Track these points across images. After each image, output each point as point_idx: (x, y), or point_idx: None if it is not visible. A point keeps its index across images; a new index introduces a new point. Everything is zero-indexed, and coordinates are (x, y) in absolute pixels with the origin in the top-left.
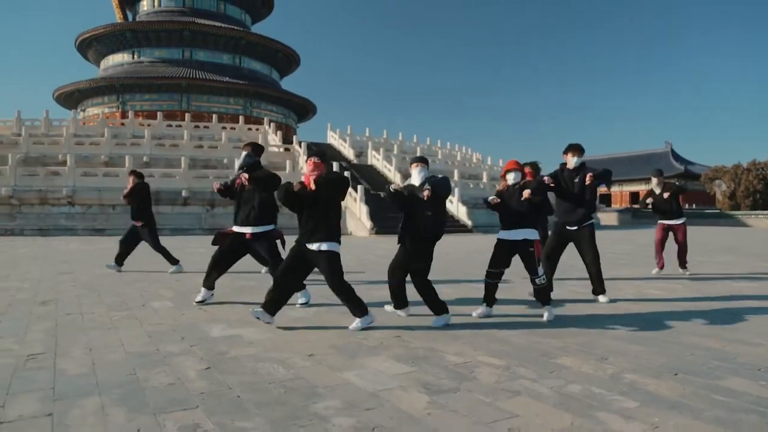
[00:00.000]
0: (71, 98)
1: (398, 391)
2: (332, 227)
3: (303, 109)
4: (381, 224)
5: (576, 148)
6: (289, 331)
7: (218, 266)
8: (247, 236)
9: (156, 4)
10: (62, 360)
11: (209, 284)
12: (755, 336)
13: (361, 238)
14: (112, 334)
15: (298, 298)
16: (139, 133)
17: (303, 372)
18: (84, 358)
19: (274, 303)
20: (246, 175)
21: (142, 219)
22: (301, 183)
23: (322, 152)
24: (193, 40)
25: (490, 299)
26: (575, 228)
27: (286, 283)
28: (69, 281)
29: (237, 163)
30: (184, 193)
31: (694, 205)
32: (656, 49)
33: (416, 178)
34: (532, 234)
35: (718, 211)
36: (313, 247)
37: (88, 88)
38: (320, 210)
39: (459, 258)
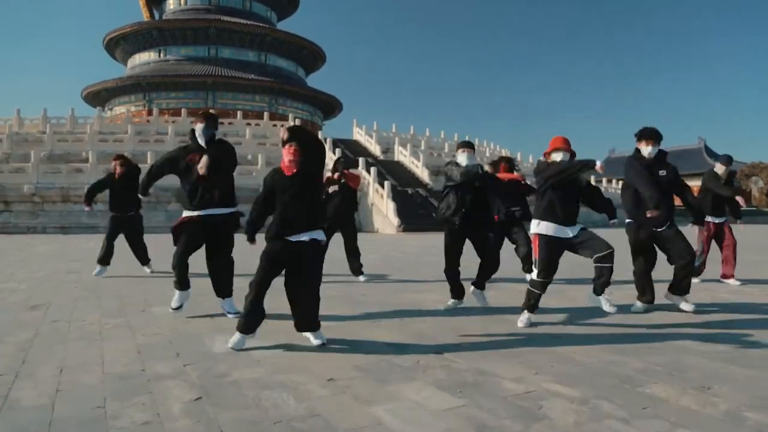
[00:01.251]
0: (99, 97)
1: None
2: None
3: (329, 106)
4: (409, 221)
5: (650, 134)
6: (304, 346)
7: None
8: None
9: (182, 2)
10: (21, 384)
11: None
12: None
13: (388, 236)
14: (95, 348)
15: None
16: (163, 130)
17: (319, 405)
18: (49, 381)
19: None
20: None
21: (137, 207)
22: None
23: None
24: (218, 37)
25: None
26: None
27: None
28: (72, 282)
29: (200, 140)
30: None
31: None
32: (692, 48)
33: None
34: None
35: (755, 208)
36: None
37: (115, 87)
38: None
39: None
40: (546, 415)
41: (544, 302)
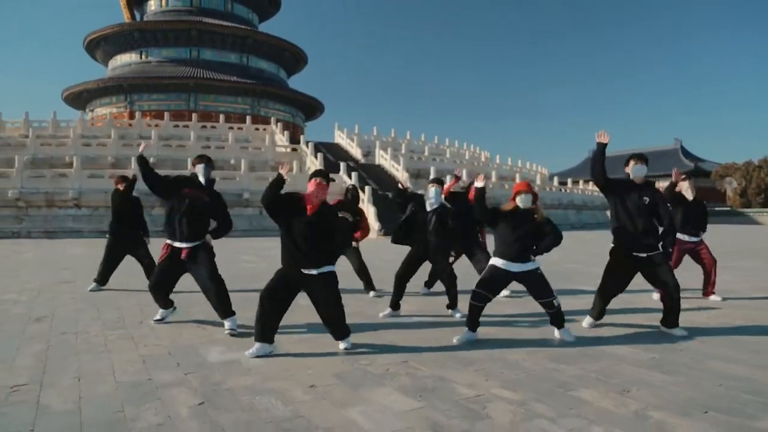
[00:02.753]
0: (80, 98)
1: None
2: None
3: (310, 108)
4: (390, 226)
5: (637, 158)
6: (289, 356)
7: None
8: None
9: (163, 3)
10: (48, 392)
11: (164, 304)
12: None
13: (370, 241)
14: (104, 359)
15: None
16: (147, 134)
17: (303, 408)
18: (71, 390)
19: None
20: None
21: (142, 228)
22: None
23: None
24: (200, 39)
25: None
26: (644, 255)
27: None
28: (68, 292)
29: (201, 177)
30: None
31: (704, 203)
32: (667, 47)
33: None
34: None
35: (729, 208)
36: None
37: (96, 89)
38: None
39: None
40: (489, 416)
41: (510, 312)
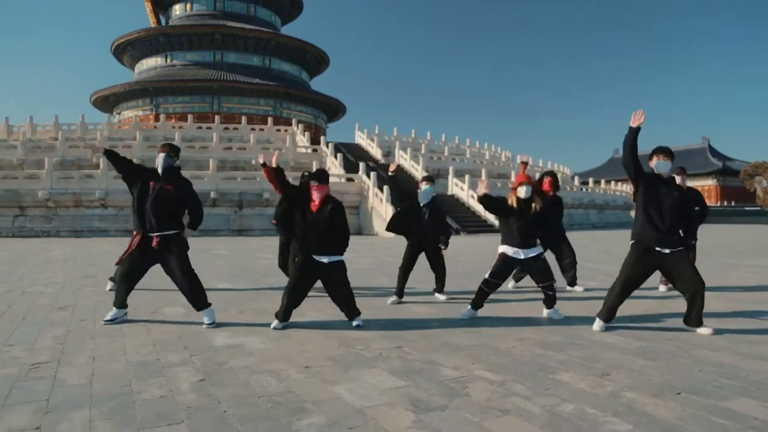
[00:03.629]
0: (107, 102)
1: (385, 408)
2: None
3: (332, 109)
4: None
5: (662, 152)
6: (290, 341)
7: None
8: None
9: (188, 8)
10: (64, 369)
11: (120, 303)
12: None
13: (387, 239)
14: (118, 342)
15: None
16: (171, 136)
17: (294, 385)
18: (85, 367)
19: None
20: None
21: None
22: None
23: (318, 176)
24: (223, 42)
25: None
26: (668, 251)
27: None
28: (91, 285)
29: (159, 167)
30: (212, 195)
31: (733, 203)
32: (696, 47)
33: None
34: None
35: (759, 208)
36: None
37: (123, 92)
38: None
39: (482, 260)
40: (467, 394)
41: (515, 304)
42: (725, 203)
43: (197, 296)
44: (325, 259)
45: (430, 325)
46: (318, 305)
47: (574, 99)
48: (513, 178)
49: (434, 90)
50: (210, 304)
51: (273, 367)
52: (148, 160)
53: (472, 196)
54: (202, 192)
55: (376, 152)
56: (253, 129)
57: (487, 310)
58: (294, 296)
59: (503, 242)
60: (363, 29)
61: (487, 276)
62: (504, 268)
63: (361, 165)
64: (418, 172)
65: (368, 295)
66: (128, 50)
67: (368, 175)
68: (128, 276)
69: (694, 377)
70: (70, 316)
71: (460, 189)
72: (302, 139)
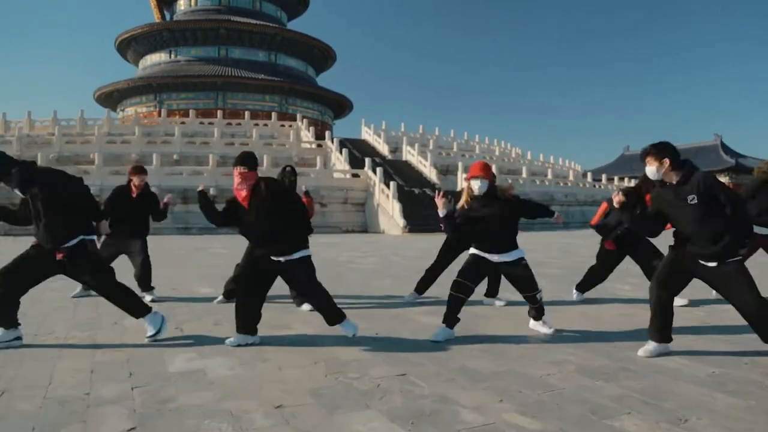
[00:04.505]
0: (111, 98)
1: None
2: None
3: (339, 106)
4: (415, 222)
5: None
6: (265, 365)
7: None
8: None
9: (193, 3)
10: None
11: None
12: None
13: (393, 237)
14: (48, 367)
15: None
16: (171, 131)
17: None
18: None
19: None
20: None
21: (146, 228)
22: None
23: (245, 159)
24: (228, 38)
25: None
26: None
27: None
28: (56, 289)
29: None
30: (211, 191)
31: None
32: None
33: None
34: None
35: None
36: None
37: (126, 88)
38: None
39: None
40: None
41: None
42: None
43: (126, 304)
44: (281, 259)
45: (441, 342)
46: (307, 316)
47: (584, 96)
48: (524, 174)
49: (442, 87)
50: (150, 309)
51: (234, 406)
52: (147, 155)
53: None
54: None
55: (383, 148)
56: (256, 124)
57: (507, 322)
58: (249, 306)
59: (472, 245)
60: (370, 25)
61: (456, 277)
62: (473, 268)
63: (367, 161)
64: (426, 168)
65: (367, 305)
66: (132, 46)
67: (374, 171)
68: (15, 289)
69: None
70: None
71: None
72: (307, 135)
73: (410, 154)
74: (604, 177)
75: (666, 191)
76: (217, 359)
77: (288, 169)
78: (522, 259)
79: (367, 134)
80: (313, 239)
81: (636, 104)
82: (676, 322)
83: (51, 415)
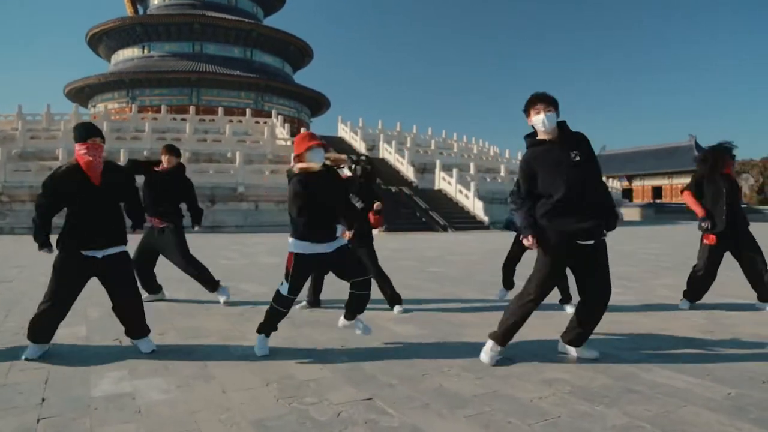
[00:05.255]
0: (82, 94)
1: None
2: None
3: (316, 103)
4: (391, 221)
5: (543, 99)
6: (207, 386)
7: None
8: None
9: None
10: None
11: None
12: None
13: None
14: None
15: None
16: (142, 127)
17: None
18: None
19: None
20: None
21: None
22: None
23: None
24: (203, 33)
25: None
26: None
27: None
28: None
29: None
30: None
31: None
32: (684, 44)
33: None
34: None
35: (746, 205)
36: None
37: (98, 84)
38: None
39: (476, 260)
40: None
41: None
42: None
43: None
44: (99, 254)
45: (416, 354)
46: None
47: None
48: (502, 173)
49: (421, 85)
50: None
51: None
52: (115, 151)
53: (460, 191)
54: None
55: (360, 145)
56: (230, 121)
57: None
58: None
59: (294, 237)
60: (347, 22)
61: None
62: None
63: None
64: (403, 166)
65: (338, 309)
66: (104, 40)
67: (351, 169)
68: None
69: None
70: None
71: (447, 183)
72: (282, 132)
73: (387, 152)
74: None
75: (545, 148)
76: (152, 379)
77: (363, 158)
78: (347, 245)
79: (344, 132)
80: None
81: (612, 104)
82: (675, 330)
83: None
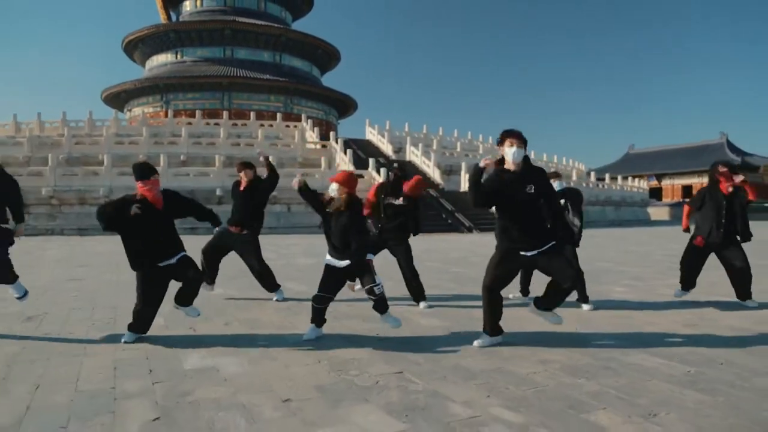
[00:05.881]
0: (118, 99)
1: None
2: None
3: (344, 106)
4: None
5: (514, 135)
6: (273, 363)
7: None
8: None
9: (198, 4)
10: None
11: None
12: None
13: None
14: (74, 364)
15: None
16: (178, 132)
17: (266, 428)
18: (22, 399)
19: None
20: None
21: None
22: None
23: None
24: (234, 38)
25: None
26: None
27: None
28: (73, 290)
29: None
30: (218, 192)
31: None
32: (715, 41)
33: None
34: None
35: None
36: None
37: (133, 89)
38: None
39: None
40: None
41: (524, 319)
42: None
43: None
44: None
45: (437, 342)
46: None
47: (589, 95)
48: None
49: (446, 87)
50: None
51: (247, 399)
52: (155, 155)
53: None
54: (208, 189)
55: (387, 148)
56: (262, 125)
57: (503, 323)
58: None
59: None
60: (375, 24)
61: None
62: (329, 280)
63: (371, 161)
64: (429, 168)
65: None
66: (139, 47)
67: (378, 172)
68: None
69: (764, 420)
70: (34, 328)
71: None
72: (312, 135)
73: (414, 155)
74: (607, 176)
75: (509, 177)
76: (227, 358)
77: (395, 165)
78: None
79: (372, 134)
80: (320, 240)
81: (641, 102)
82: (662, 324)
83: (82, 407)
